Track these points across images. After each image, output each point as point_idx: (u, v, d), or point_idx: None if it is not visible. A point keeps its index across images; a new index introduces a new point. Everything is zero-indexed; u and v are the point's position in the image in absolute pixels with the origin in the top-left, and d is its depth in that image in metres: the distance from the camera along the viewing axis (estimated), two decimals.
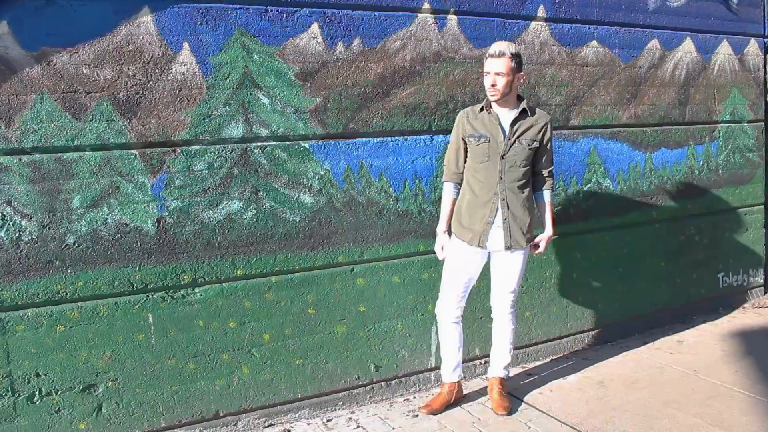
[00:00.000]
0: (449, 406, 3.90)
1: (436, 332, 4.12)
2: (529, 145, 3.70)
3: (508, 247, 3.72)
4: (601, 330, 4.95)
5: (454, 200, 3.82)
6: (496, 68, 3.57)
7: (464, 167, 3.79)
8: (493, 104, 3.70)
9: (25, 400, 3.22)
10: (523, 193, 3.74)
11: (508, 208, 3.70)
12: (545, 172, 3.87)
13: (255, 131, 3.60)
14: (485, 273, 3.88)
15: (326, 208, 3.82)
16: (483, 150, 3.68)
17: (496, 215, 3.70)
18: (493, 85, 3.59)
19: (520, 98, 3.76)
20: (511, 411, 3.83)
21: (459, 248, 3.77)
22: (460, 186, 3.82)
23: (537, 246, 3.89)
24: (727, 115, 5.53)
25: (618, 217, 4.95)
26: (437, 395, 3.93)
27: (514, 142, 3.68)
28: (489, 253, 3.81)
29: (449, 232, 3.83)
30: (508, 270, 3.81)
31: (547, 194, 3.90)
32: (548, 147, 3.82)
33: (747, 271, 5.78)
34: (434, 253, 3.91)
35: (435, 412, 3.82)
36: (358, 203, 3.91)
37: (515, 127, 3.68)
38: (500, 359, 3.98)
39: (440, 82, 4.11)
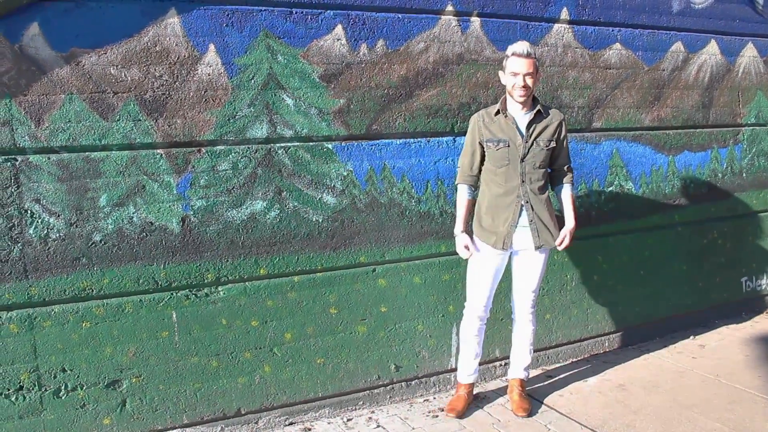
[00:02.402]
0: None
1: (457, 333, 4.13)
2: (546, 146, 3.70)
3: (537, 247, 3.73)
4: (622, 333, 4.93)
5: (470, 201, 3.80)
6: (526, 68, 3.53)
7: (479, 170, 3.79)
8: (509, 107, 3.69)
9: (52, 395, 3.28)
10: (543, 193, 3.74)
11: (533, 210, 3.69)
12: (564, 169, 3.87)
13: (279, 132, 3.63)
14: (505, 274, 3.88)
15: (349, 208, 3.85)
16: (503, 154, 3.67)
17: (520, 217, 3.70)
18: (524, 87, 3.55)
19: (533, 99, 3.74)
20: (530, 413, 3.83)
21: (482, 251, 3.77)
22: (474, 188, 3.82)
23: (561, 240, 3.83)
24: (751, 117, 5.49)
25: (640, 219, 4.93)
26: (458, 397, 3.92)
27: (532, 144, 3.67)
28: (510, 254, 3.81)
29: (468, 233, 3.82)
30: (530, 270, 3.81)
31: (567, 188, 3.88)
32: (565, 145, 3.82)
33: None
34: (455, 254, 3.90)
35: (461, 415, 3.83)
36: (381, 204, 3.93)
37: (531, 129, 3.67)
38: (521, 360, 3.98)
39: (463, 84, 4.12)
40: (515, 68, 3.55)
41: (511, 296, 3.96)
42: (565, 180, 3.88)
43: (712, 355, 4.70)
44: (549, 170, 3.83)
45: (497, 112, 3.70)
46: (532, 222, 3.70)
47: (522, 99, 3.61)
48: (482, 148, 3.73)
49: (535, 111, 3.68)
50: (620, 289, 4.87)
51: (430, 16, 3.99)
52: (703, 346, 4.90)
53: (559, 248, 3.83)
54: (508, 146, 3.65)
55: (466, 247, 3.76)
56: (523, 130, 3.67)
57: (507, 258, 3.81)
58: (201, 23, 3.42)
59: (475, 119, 3.77)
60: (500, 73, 3.71)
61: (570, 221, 3.85)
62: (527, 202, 3.68)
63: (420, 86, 4.00)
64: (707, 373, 4.37)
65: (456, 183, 3.87)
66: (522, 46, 3.56)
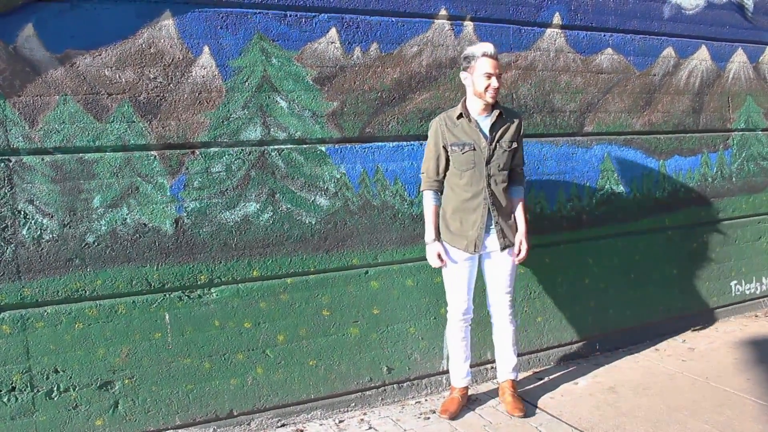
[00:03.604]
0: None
1: None
2: (508, 148, 3.71)
3: (503, 248, 3.75)
4: (613, 336, 4.96)
5: (437, 207, 3.77)
6: (498, 69, 3.58)
7: (444, 175, 3.76)
8: (471, 110, 3.69)
9: (44, 396, 3.28)
10: (507, 193, 3.77)
11: (497, 211, 3.72)
12: (518, 169, 3.87)
13: (273, 134, 3.65)
14: (480, 279, 3.91)
15: (342, 211, 3.86)
16: (468, 158, 3.67)
17: (488, 219, 3.71)
18: (498, 88, 3.59)
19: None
20: (526, 413, 3.84)
21: (453, 256, 3.77)
22: (440, 193, 3.80)
23: (518, 250, 3.80)
24: (741, 123, 5.53)
25: (631, 223, 4.96)
26: (451, 399, 3.92)
27: (496, 146, 3.68)
28: (480, 256, 3.83)
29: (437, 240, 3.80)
30: (502, 270, 3.82)
31: (520, 190, 3.88)
32: (521, 145, 3.84)
33: (760, 279, 5.77)
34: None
35: (455, 416, 3.83)
36: (373, 207, 3.95)
37: (495, 132, 3.68)
38: (507, 362, 4.00)
39: (456, 88, 4.14)
40: (489, 69, 3.56)
41: (487, 300, 3.97)
42: (517, 183, 3.86)
43: (702, 358, 4.73)
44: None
45: (459, 116, 3.69)
46: (497, 224, 3.72)
47: (492, 99, 3.63)
48: (446, 152, 3.72)
49: (497, 114, 3.69)
50: (611, 292, 4.90)
51: (424, 20, 4.02)
52: (692, 349, 4.93)
53: (517, 260, 3.82)
54: (474, 149, 3.65)
55: (439, 257, 3.74)
56: (487, 133, 3.68)
57: (477, 259, 3.83)
58: (195, 25, 3.44)
59: (436, 123, 3.74)
60: (463, 74, 3.68)
61: (521, 226, 3.83)
62: (493, 203, 3.70)
63: (413, 90, 4.02)
64: (697, 375, 4.40)
65: (421, 190, 3.82)
66: (491, 46, 3.58)
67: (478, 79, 3.59)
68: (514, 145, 3.74)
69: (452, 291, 3.83)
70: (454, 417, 3.83)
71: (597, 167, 4.75)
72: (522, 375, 4.39)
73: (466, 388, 4.00)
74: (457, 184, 3.72)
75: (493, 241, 3.75)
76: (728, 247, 5.54)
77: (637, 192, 4.97)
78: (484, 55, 3.56)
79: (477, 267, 3.84)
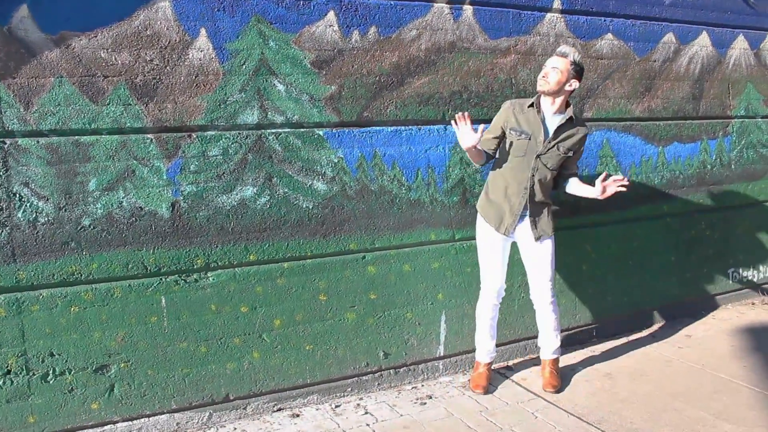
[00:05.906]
0: None
1: (446, 321, 4.15)
2: (564, 153, 3.81)
3: (536, 239, 3.85)
4: (610, 323, 4.96)
5: (479, 151, 3.75)
6: (553, 64, 3.68)
7: (494, 146, 3.84)
8: (543, 103, 3.77)
9: (39, 379, 3.27)
10: (546, 190, 3.87)
11: (534, 203, 3.81)
12: (572, 173, 3.99)
13: (270, 118, 3.62)
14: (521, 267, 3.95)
15: (339, 195, 3.84)
16: (522, 145, 3.76)
17: (523, 209, 3.81)
18: (544, 77, 3.68)
19: (568, 105, 3.82)
20: (558, 389, 4.00)
21: (488, 233, 3.90)
22: (485, 152, 3.82)
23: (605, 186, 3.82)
24: (741, 110, 5.51)
25: (629, 210, 4.94)
26: (480, 375, 4.03)
27: (553, 146, 3.77)
28: (516, 243, 3.96)
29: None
30: (540, 260, 3.91)
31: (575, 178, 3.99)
32: (579, 156, 3.98)
33: (758, 267, 5.77)
34: (445, 242, 4.09)
35: (488, 390, 3.97)
36: (371, 191, 3.93)
37: (558, 133, 3.77)
38: (549, 345, 4.11)
39: (454, 73, 4.11)
40: (546, 62, 3.73)
41: (530, 290, 4.08)
42: (572, 177, 3.98)
43: (699, 345, 4.73)
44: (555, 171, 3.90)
45: (530, 105, 3.79)
46: (532, 214, 3.82)
47: (541, 87, 3.71)
48: (503, 132, 3.80)
49: (566, 117, 3.77)
50: (609, 279, 4.90)
51: (423, 3, 3.98)
52: (689, 336, 4.93)
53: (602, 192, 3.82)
54: (529, 139, 3.75)
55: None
56: (550, 131, 3.76)
57: (510, 243, 3.95)
58: (192, 7, 3.40)
59: (508, 104, 3.85)
60: None
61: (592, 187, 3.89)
62: (531, 195, 3.80)
63: (411, 74, 3.99)
64: (693, 362, 4.41)
65: None
66: (562, 47, 3.74)
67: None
68: (571, 153, 3.84)
69: (487, 270, 3.95)
70: (487, 391, 3.96)
71: (596, 153, 4.73)
72: (518, 360, 4.40)
73: (491, 363, 4.09)
74: (505, 166, 3.83)
75: (525, 230, 3.86)
76: (726, 235, 5.53)
77: (636, 179, 4.95)
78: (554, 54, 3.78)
79: (509, 249, 3.96)
